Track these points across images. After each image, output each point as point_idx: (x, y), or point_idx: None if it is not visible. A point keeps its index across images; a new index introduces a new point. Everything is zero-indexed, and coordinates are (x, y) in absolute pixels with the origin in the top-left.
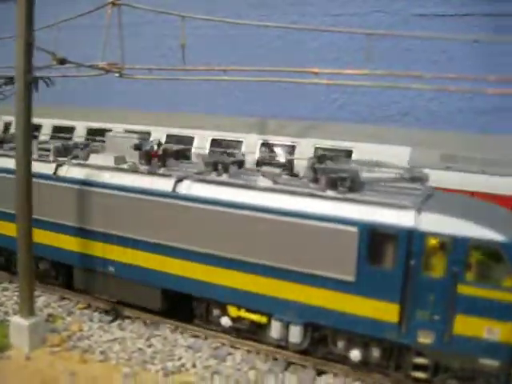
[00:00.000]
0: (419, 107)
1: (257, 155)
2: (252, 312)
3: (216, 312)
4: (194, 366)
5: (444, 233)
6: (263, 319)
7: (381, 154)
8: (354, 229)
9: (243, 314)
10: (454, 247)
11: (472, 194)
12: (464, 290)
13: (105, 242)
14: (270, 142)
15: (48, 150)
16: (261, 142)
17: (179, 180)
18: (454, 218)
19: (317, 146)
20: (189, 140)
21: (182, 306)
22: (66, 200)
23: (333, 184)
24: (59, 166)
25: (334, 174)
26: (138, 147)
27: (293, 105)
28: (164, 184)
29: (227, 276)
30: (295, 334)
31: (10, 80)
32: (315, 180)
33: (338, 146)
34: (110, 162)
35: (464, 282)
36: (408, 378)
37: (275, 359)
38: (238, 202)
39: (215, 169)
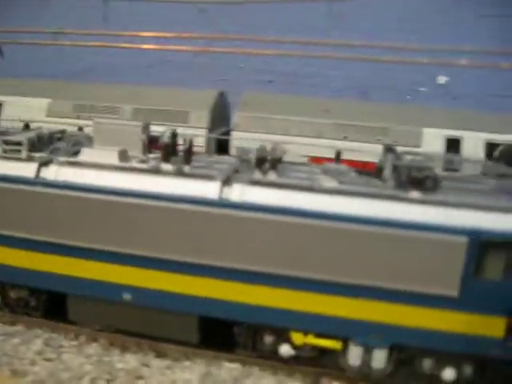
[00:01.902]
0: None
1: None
2: (323, 338)
3: (270, 340)
4: None
5: None
6: (337, 345)
7: (27, 106)
8: (462, 238)
9: (311, 340)
10: None
11: None
12: None
13: (114, 263)
14: None
15: (15, 143)
16: None
17: (225, 182)
18: None
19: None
20: None
21: (220, 333)
22: (52, 211)
23: (417, 184)
24: (42, 165)
25: (418, 173)
26: (152, 139)
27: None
28: (205, 189)
29: (291, 298)
30: (379, 358)
31: None
32: (393, 179)
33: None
34: (113, 159)
35: None
36: None
37: None
38: (305, 210)
39: (258, 166)
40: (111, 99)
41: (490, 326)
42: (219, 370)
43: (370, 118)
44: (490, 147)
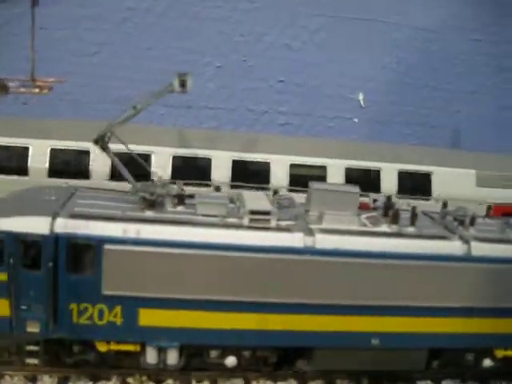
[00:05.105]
0: None
1: None
2: None
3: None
4: None
5: None
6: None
7: None
8: None
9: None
10: None
11: None
12: None
13: (365, 315)
14: None
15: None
16: None
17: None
18: None
19: None
20: None
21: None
22: (319, 277)
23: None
24: (307, 234)
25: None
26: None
27: None
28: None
29: None
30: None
31: None
32: None
33: None
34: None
35: None
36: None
37: None
38: None
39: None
40: None
41: None
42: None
43: None
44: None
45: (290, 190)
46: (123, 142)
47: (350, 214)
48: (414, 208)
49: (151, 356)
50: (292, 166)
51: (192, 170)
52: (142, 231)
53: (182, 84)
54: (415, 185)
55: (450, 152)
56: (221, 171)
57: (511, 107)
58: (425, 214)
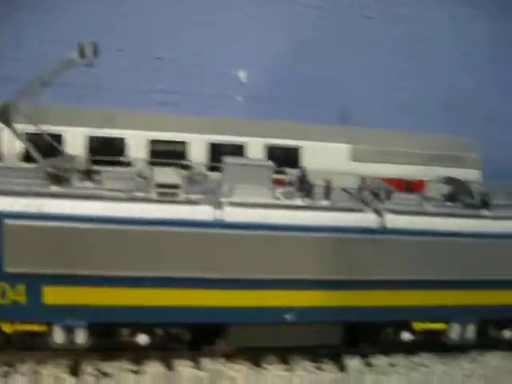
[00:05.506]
0: None
1: None
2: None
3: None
4: None
5: None
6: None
7: None
8: None
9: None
10: None
11: None
12: None
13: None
14: None
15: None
16: None
17: (377, 212)
18: None
19: None
20: None
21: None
22: (226, 251)
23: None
24: (217, 207)
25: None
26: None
27: None
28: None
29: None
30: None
31: None
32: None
33: None
34: (270, 198)
35: None
36: None
37: None
38: None
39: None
40: None
41: None
42: None
43: None
44: None
45: (151, 164)
46: (31, 120)
47: (262, 187)
48: (328, 181)
49: (58, 336)
50: (152, 141)
51: (44, 147)
52: (44, 206)
53: (81, 54)
54: (283, 159)
55: (322, 127)
56: (74, 147)
57: (407, 86)
58: (343, 189)
